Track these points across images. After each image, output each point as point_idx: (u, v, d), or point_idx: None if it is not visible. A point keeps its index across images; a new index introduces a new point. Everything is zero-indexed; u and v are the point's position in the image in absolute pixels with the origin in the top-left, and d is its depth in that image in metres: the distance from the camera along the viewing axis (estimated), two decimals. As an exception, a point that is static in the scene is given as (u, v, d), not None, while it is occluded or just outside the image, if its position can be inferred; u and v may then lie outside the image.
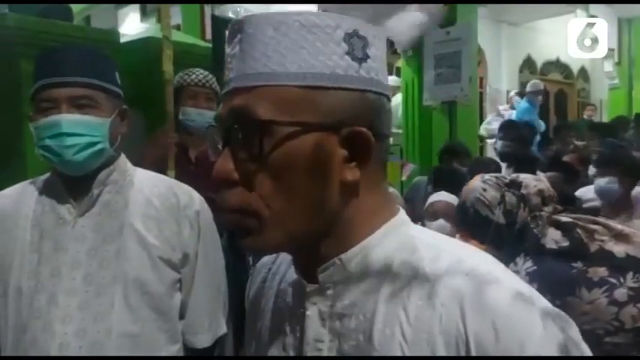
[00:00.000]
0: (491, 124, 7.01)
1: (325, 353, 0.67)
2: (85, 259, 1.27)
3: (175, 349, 1.36)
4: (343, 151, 0.65)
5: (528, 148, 4.51)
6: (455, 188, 3.28)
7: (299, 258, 0.72)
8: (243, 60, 0.65)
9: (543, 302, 0.61)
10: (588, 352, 0.61)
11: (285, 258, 0.80)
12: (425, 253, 0.66)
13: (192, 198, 1.41)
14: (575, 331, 0.61)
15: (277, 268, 0.81)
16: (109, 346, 1.23)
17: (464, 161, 3.91)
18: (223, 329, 1.47)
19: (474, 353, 0.58)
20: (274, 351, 0.73)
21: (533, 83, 7.31)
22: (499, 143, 4.49)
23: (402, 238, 0.68)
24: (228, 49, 0.68)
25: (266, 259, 0.86)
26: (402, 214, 0.72)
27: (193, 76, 2.42)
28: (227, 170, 0.65)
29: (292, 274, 0.74)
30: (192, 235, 1.37)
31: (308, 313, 0.69)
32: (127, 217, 1.31)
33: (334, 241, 0.67)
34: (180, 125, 2.37)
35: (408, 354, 0.61)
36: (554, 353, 0.58)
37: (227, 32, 0.69)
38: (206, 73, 2.46)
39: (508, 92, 8.73)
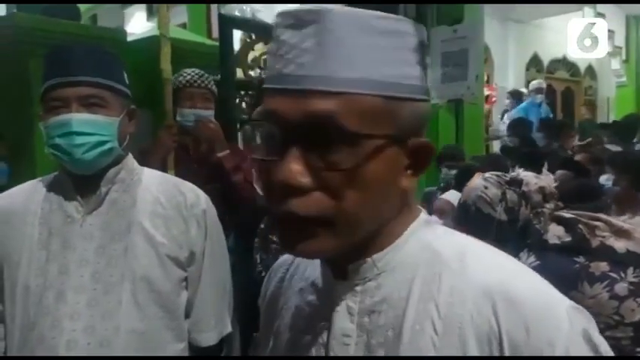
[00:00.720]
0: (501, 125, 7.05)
1: (352, 348, 0.67)
2: (93, 257, 1.28)
3: (181, 347, 1.37)
4: (407, 161, 0.65)
5: (535, 146, 4.51)
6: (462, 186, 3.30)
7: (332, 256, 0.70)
8: (322, 58, 0.60)
9: (567, 299, 0.63)
10: (606, 345, 0.62)
11: (303, 259, 0.80)
12: (451, 252, 0.67)
13: (198, 197, 1.42)
14: (594, 325, 0.63)
15: (296, 269, 0.81)
16: (116, 343, 1.24)
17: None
18: (228, 328, 1.47)
19: (506, 350, 0.59)
20: (296, 348, 0.73)
21: (536, 82, 7.37)
22: (507, 140, 4.53)
23: (428, 237, 0.69)
24: (287, 37, 0.62)
25: (283, 259, 0.87)
26: (424, 214, 0.73)
27: (188, 77, 2.42)
28: (299, 174, 0.60)
29: (314, 273, 0.75)
30: (199, 234, 1.38)
31: (337, 308, 0.69)
32: (134, 215, 1.32)
33: (369, 241, 0.67)
34: (179, 126, 2.37)
35: (438, 347, 0.62)
36: (581, 347, 0.59)
37: (283, 17, 0.63)
38: (201, 72, 2.46)
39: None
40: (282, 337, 0.76)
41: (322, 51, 0.59)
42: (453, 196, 2.87)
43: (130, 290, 1.27)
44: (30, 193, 1.36)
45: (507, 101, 7.79)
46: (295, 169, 0.60)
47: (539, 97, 7.15)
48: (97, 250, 1.28)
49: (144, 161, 1.76)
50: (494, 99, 8.24)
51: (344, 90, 0.59)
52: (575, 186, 2.87)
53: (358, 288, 0.68)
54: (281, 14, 0.63)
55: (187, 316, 1.40)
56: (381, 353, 0.65)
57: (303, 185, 0.60)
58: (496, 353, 0.60)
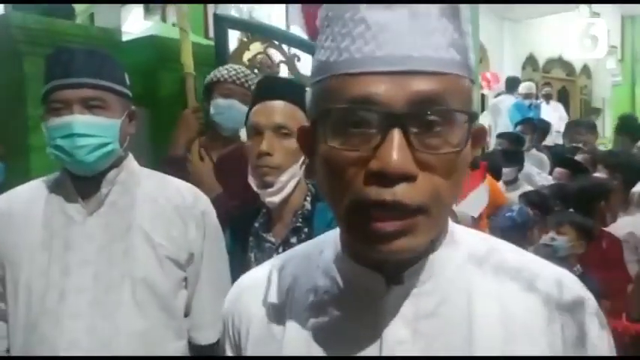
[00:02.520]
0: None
1: (409, 354, 0.62)
2: (94, 258, 1.30)
3: (181, 345, 1.39)
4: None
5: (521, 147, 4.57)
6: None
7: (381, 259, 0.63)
8: (422, 39, 0.56)
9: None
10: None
11: (298, 270, 0.73)
12: (502, 248, 0.69)
13: (198, 198, 1.44)
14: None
15: (292, 283, 0.72)
16: (117, 343, 1.27)
17: None
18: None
19: (568, 340, 0.63)
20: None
21: (526, 85, 7.31)
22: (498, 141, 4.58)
23: (466, 237, 0.69)
24: (373, 17, 0.57)
25: (252, 278, 0.77)
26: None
27: (232, 72, 2.25)
28: (406, 161, 0.55)
29: (334, 283, 0.68)
30: (197, 235, 1.40)
31: (388, 316, 0.63)
32: (134, 216, 1.34)
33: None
34: (210, 125, 2.27)
35: (508, 342, 0.62)
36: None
37: None
38: (247, 72, 2.31)
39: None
40: (301, 347, 0.67)
41: (419, 31, 0.56)
42: None
43: (130, 290, 1.29)
44: (32, 194, 1.37)
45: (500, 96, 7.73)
46: (403, 155, 0.55)
47: (527, 102, 7.14)
48: (98, 251, 1.30)
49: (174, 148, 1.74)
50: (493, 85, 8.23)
51: (443, 70, 0.57)
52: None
53: (414, 291, 0.64)
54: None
55: (187, 315, 1.42)
56: (445, 356, 0.63)
57: (410, 172, 0.55)
58: (560, 345, 0.63)
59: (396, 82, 0.56)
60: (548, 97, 7.83)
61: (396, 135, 0.55)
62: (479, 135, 0.63)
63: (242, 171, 1.46)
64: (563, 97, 10.40)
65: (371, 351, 0.63)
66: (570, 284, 0.66)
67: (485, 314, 0.63)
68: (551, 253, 2.31)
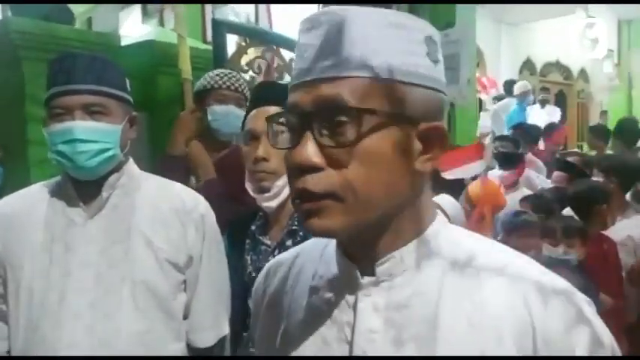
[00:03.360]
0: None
1: (379, 343, 0.69)
2: (95, 260, 1.31)
3: (180, 347, 1.40)
4: (419, 145, 0.69)
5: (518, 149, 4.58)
6: (455, 190, 3.31)
7: (355, 250, 0.73)
8: (331, 50, 0.66)
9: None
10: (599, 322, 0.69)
11: (309, 255, 0.83)
12: (477, 247, 0.72)
13: (197, 202, 1.46)
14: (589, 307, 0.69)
15: (302, 266, 0.83)
16: (117, 344, 1.28)
17: None
18: (226, 330, 1.51)
19: (539, 340, 0.64)
20: (311, 345, 0.74)
21: (520, 85, 7.26)
22: (496, 144, 4.57)
23: (451, 235, 0.74)
24: (304, 39, 0.68)
25: (280, 258, 0.90)
26: (441, 214, 0.77)
27: (225, 78, 2.27)
28: (311, 155, 0.65)
29: (328, 269, 0.77)
30: (197, 238, 1.42)
31: (360, 304, 0.71)
32: (134, 220, 1.36)
33: (393, 233, 0.70)
34: (208, 131, 2.27)
35: (473, 339, 0.65)
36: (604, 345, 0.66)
37: (302, 23, 0.70)
38: (238, 76, 2.33)
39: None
40: (292, 336, 0.77)
41: (330, 44, 0.66)
42: (444, 200, 2.86)
43: (130, 293, 1.31)
44: (33, 197, 1.39)
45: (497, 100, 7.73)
46: (307, 150, 0.65)
47: (529, 100, 7.15)
48: (99, 254, 1.32)
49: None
50: (490, 89, 8.25)
51: (348, 74, 0.65)
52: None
53: (385, 284, 0.71)
54: (302, 22, 0.70)
55: (186, 317, 1.44)
56: (411, 347, 0.67)
57: (314, 164, 0.65)
58: (531, 344, 0.64)
59: (307, 90, 0.67)
60: (544, 102, 7.85)
61: (306, 134, 0.66)
62: (432, 134, 0.69)
63: (241, 172, 1.48)
64: (561, 101, 10.43)
65: (343, 336, 0.71)
66: (552, 287, 0.67)
67: (452, 309, 0.67)
68: (565, 265, 2.30)
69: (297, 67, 0.69)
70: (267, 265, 0.91)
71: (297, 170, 0.67)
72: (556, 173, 3.93)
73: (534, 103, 7.51)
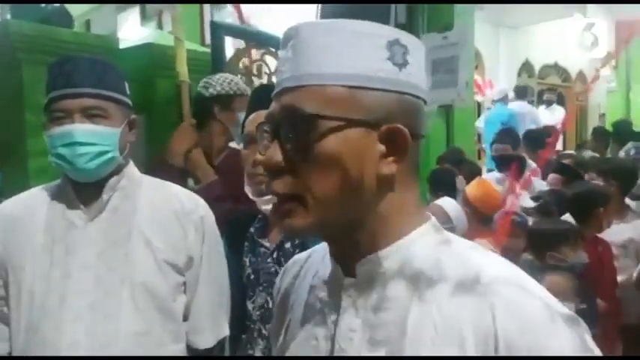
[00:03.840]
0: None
1: (357, 342, 0.72)
2: (95, 262, 1.32)
3: (180, 349, 1.41)
4: (382, 147, 0.70)
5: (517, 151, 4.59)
6: (449, 190, 3.31)
7: (338, 251, 0.77)
8: (295, 63, 0.71)
9: (565, 309, 0.67)
10: (599, 353, 0.67)
11: (317, 256, 0.87)
12: (457, 256, 0.72)
13: (196, 204, 1.47)
14: (589, 336, 0.67)
15: (310, 266, 0.87)
16: (117, 345, 1.29)
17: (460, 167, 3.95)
18: (225, 331, 1.51)
19: (501, 350, 0.63)
20: (304, 341, 0.78)
21: (499, 91, 7.26)
22: (494, 147, 4.59)
23: (436, 241, 0.74)
24: (281, 54, 0.74)
25: (298, 257, 0.93)
26: (434, 220, 0.77)
27: (241, 85, 2.33)
28: (275, 159, 0.71)
29: (326, 270, 0.80)
30: (196, 240, 1.43)
31: (343, 304, 0.74)
32: (134, 222, 1.37)
33: (370, 236, 0.73)
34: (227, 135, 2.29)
35: (439, 346, 0.66)
36: (576, 352, 0.63)
37: (281, 40, 0.75)
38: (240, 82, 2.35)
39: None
40: (292, 331, 0.82)
41: (293, 58, 0.72)
42: (446, 203, 2.87)
43: (130, 294, 1.32)
44: (34, 200, 1.40)
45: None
46: (271, 155, 0.71)
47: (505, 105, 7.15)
48: (99, 256, 1.33)
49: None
50: (484, 90, 8.25)
51: (307, 83, 0.70)
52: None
53: (365, 285, 0.73)
54: (281, 39, 0.75)
55: (186, 319, 1.44)
56: (382, 348, 0.70)
57: (276, 167, 0.71)
58: (492, 353, 0.64)
59: (276, 100, 0.73)
60: (549, 103, 7.89)
61: (274, 142, 0.72)
62: (392, 136, 0.70)
63: (242, 174, 1.48)
64: (560, 104, 10.46)
65: (329, 333, 0.75)
66: (520, 298, 0.66)
67: (420, 316, 0.68)
68: (567, 270, 2.29)
69: (276, 80, 0.75)
70: (288, 262, 0.96)
71: (267, 174, 0.72)
72: (552, 175, 3.94)
73: (532, 103, 7.50)
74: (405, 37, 0.73)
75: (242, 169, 1.48)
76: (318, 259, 0.86)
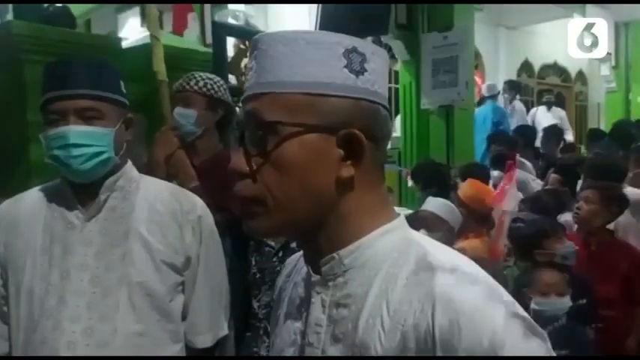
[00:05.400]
0: None
1: (322, 337, 0.75)
2: (93, 262, 1.33)
3: (178, 349, 1.41)
4: (339, 151, 0.73)
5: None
6: (441, 188, 3.34)
7: (306, 251, 0.81)
8: (257, 71, 0.75)
9: (512, 306, 0.68)
10: (542, 350, 0.67)
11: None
12: (414, 253, 0.74)
13: (194, 203, 1.47)
14: (534, 331, 0.67)
15: (300, 264, 0.89)
16: (114, 345, 1.29)
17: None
18: (224, 330, 1.52)
19: (438, 347, 0.65)
20: (286, 335, 0.82)
21: (488, 86, 7.23)
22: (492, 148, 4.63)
23: (396, 240, 0.76)
24: (248, 63, 0.78)
25: (295, 255, 0.94)
26: (401, 219, 0.79)
27: (177, 83, 2.29)
28: (239, 164, 0.74)
29: (304, 269, 0.82)
30: (194, 240, 1.43)
31: (312, 300, 0.77)
32: (132, 222, 1.37)
33: (332, 235, 0.76)
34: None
35: (384, 342, 0.69)
36: (515, 348, 0.64)
37: (249, 49, 0.78)
38: (191, 75, 2.32)
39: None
40: (279, 325, 0.86)
41: (257, 66, 0.75)
42: (435, 206, 2.86)
43: (127, 294, 1.32)
44: (33, 201, 1.41)
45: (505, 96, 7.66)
46: (236, 159, 0.75)
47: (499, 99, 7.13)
48: (96, 255, 1.33)
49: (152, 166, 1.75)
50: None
51: (267, 91, 0.73)
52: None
53: (330, 283, 0.76)
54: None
55: (184, 318, 1.45)
56: (339, 344, 0.73)
57: (240, 172, 0.74)
58: (429, 351, 0.66)
59: (243, 107, 0.76)
60: (549, 105, 7.91)
61: (240, 146, 0.75)
62: (350, 141, 0.73)
63: (223, 178, 1.46)
64: (559, 104, 10.47)
65: (302, 328, 0.79)
66: (461, 298, 0.66)
67: (371, 312, 0.71)
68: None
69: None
70: (287, 260, 0.98)
71: (235, 177, 0.75)
72: (552, 176, 3.96)
73: (531, 103, 7.52)
74: (364, 45, 0.75)
75: (224, 172, 1.47)
76: (302, 259, 0.88)
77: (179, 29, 3.98)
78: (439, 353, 0.65)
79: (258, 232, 0.77)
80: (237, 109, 3.30)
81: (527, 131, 5.71)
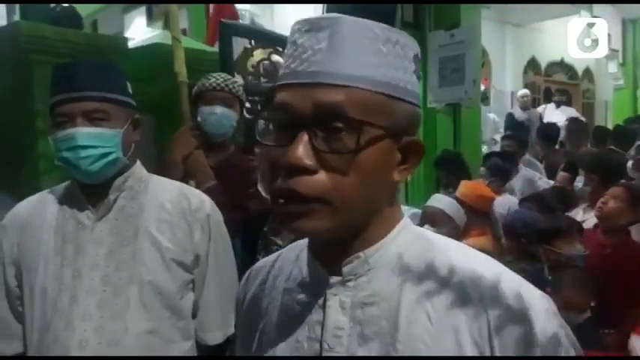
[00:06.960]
0: None
1: (345, 339, 0.72)
2: (103, 261, 1.34)
3: (188, 346, 1.43)
4: (399, 156, 0.73)
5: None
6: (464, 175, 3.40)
7: (326, 252, 0.76)
8: (333, 57, 0.68)
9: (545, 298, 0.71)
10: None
11: (287, 259, 0.86)
12: (438, 249, 0.75)
13: (203, 202, 1.48)
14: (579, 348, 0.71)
15: (279, 271, 0.85)
16: (125, 343, 1.31)
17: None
18: (234, 328, 1.52)
19: (496, 344, 0.67)
20: (284, 345, 0.77)
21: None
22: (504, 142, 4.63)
23: (413, 235, 0.77)
24: (302, 40, 0.70)
25: (262, 262, 0.92)
26: (407, 217, 0.79)
27: (212, 80, 2.26)
28: (306, 157, 0.67)
29: (300, 273, 0.79)
30: (203, 238, 1.44)
31: (329, 303, 0.74)
32: (141, 221, 1.38)
33: (364, 235, 0.74)
34: (201, 134, 2.24)
35: (433, 334, 0.69)
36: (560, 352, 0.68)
37: (300, 23, 0.72)
38: (227, 77, 2.33)
39: (512, 93, 8.75)
40: (269, 336, 0.80)
41: (332, 51, 0.68)
42: (442, 203, 2.88)
43: (138, 292, 1.34)
44: (44, 202, 1.43)
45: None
46: (302, 151, 0.67)
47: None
48: (107, 255, 1.35)
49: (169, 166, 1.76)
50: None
51: (349, 84, 0.68)
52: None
53: (350, 283, 0.74)
54: (298, 22, 0.72)
55: (194, 316, 1.46)
56: (375, 342, 0.71)
57: (308, 166, 0.67)
58: (488, 346, 0.67)
59: (305, 92, 0.68)
60: (559, 104, 7.91)
61: (301, 136, 0.68)
62: (411, 148, 0.73)
63: (241, 177, 1.48)
64: (567, 102, 10.42)
65: (314, 334, 0.74)
66: (507, 289, 0.70)
67: (412, 307, 0.71)
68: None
69: (291, 66, 0.71)
70: (249, 269, 0.93)
71: (286, 170, 0.68)
72: (561, 174, 3.94)
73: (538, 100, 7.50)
74: (419, 52, 0.75)
75: (242, 171, 1.47)
76: (288, 261, 0.85)
77: (211, 40, 3.96)
78: (499, 351, 0.67)
79: (318, 233, 0.69)
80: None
81: (550, 130, 5.67)
